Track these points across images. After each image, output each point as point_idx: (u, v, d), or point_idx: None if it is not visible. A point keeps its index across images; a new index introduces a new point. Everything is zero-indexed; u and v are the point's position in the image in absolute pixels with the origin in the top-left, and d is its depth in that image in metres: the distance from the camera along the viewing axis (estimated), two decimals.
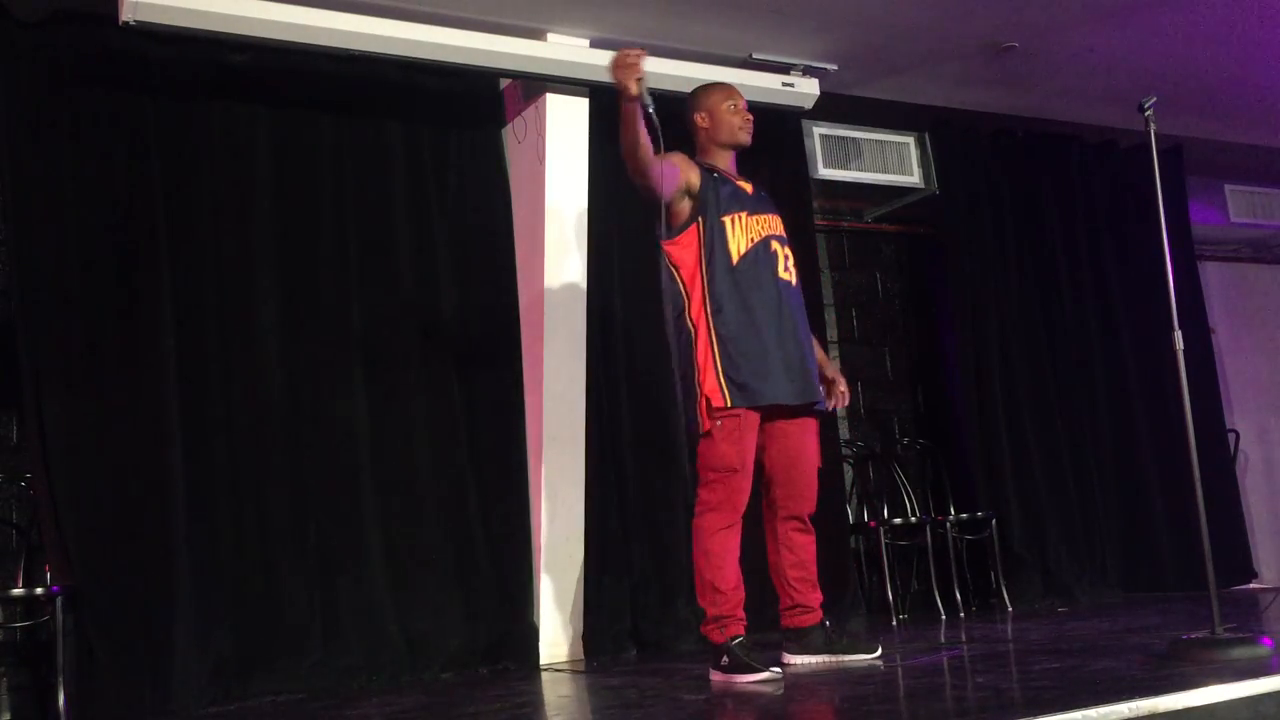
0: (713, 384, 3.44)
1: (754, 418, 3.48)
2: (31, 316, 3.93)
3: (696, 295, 3.51)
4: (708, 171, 3.62)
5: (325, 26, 4.16)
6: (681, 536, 4.73)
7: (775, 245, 3.63)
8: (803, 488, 3.62)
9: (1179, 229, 6.17)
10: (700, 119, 3.71)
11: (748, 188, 3.68)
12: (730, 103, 3.71)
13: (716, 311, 3.48)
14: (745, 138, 3.71)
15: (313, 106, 4.49)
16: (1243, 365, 7.34)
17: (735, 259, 3.53)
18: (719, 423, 3.43)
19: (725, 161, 3.70)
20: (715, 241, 3.53)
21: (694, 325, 3.50)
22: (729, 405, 3.42)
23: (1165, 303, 3.22)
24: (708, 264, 3.52)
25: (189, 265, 4.20)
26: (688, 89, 4.77)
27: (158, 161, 4.18)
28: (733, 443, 3.43)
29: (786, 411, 3.55)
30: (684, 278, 3.55)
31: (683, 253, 3.55)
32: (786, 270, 3.63)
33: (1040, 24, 5.08)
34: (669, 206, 3.52)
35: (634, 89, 3.25)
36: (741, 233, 3.56)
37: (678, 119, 5.02)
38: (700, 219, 3.54)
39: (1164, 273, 3.23)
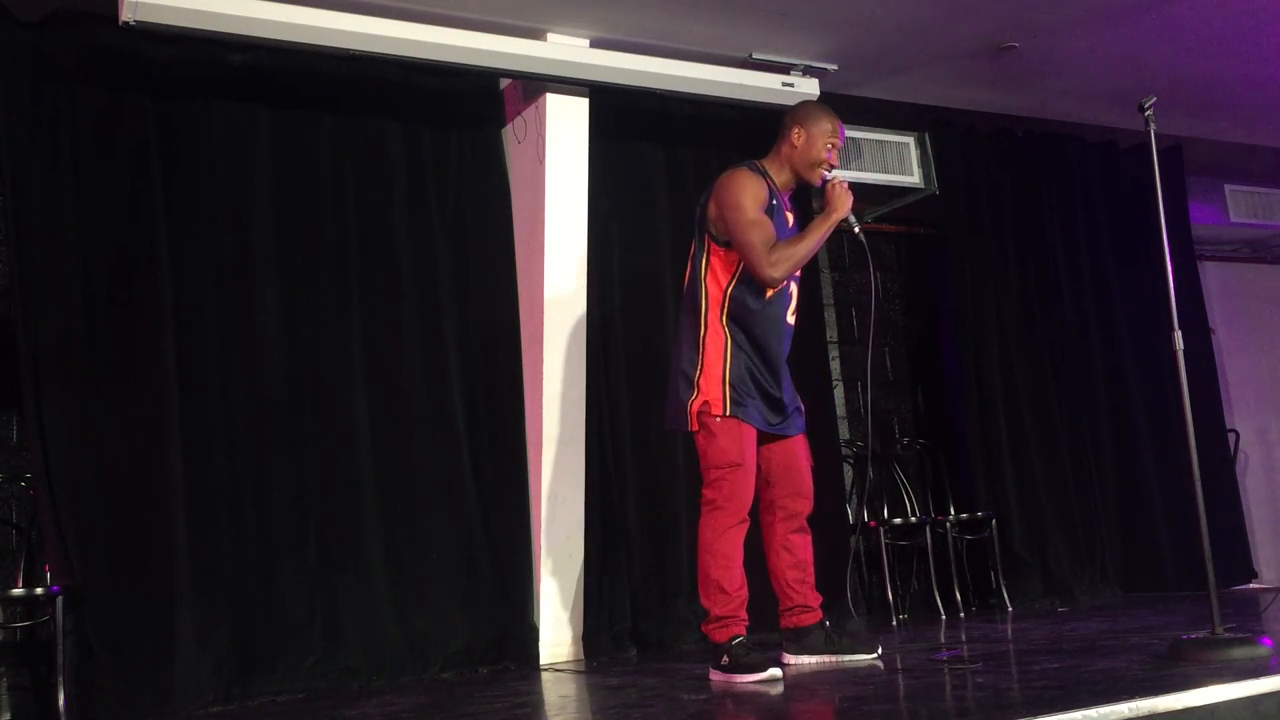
0: (716, 391, 3.45)
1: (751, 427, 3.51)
2: (32, 316, 3.92)
3: (727, 309, 3.50)
4: (769, 191, 3.56)
5: (325, 26, 4.16)
6: (681, 536, 4.74)
7: (793, 286, 3.63)
8: (800, 485, 3.65)
9: (1179, 229, 6.17)
10: (796, 135, 3.61)
11: (791, 221, 3.65)
12: (830, 140, 3.61)
13: (742, 331, 3.50)
14: (818, 179, 3.61)
15: (313, 106, 4.49)
16: (1243, 365, 7.33)
17: (768, 293, 3.52)
18: (717, 419, 3.44)
19: (787, 183, 3.65)
20: None
21: (713, 330, 3.49)
22: (726, 414, 3.44)
23: (1165, 303, 3.23)
24: (747, 285, 3.50)
25: (189, 265, 4.20)
26: (688, 89, 4.83)
27: (158, 161, 4.18)
28: (733, 438, 3.45)
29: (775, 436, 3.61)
30: (715, 285, 3.52)
31: (728, 263, 3.52)
32: (794, 313, 3.65)
33: (1040, 24, 5.07)
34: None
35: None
36: None
37: (678, 118, 5.06)
38: None
39: (1164, 273, 3.23)
